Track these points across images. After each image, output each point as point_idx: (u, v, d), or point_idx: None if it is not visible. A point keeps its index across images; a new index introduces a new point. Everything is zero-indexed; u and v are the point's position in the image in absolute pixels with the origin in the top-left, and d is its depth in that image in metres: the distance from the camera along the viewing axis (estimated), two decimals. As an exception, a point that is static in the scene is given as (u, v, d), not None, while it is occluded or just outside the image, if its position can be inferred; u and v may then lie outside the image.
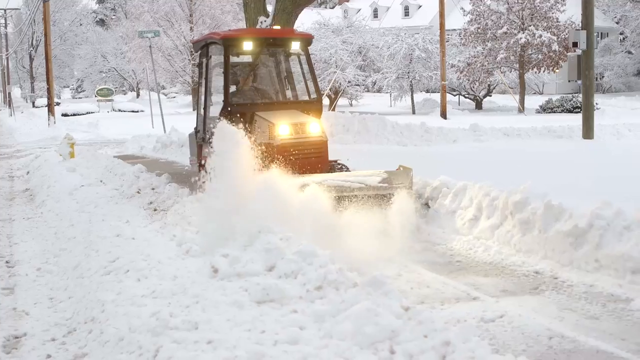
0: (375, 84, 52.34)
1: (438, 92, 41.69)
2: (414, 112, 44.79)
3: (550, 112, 39.96)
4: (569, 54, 42.41)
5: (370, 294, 5.72)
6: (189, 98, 59.77)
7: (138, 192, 12.47)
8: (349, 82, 48.84)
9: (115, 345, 5.46)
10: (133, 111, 54.90)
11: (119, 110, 55.71)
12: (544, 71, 46.62)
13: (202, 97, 12.29)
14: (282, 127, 10.41)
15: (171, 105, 58.36)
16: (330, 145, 11.15)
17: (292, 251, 6.90)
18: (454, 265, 8.39)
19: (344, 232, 8.08)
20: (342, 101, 51.47)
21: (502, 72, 46.19)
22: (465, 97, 50.49)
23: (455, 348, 4.54)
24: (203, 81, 12.23)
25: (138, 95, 73.88)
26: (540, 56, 44.66)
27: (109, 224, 10.00)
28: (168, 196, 11.37)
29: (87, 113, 52.69)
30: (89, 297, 6.82)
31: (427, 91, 52.26)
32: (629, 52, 61.89)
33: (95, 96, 60.37)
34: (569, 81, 59.01)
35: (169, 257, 7.95)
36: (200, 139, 12.18)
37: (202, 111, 12.27)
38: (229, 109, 11.01)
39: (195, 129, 12.63)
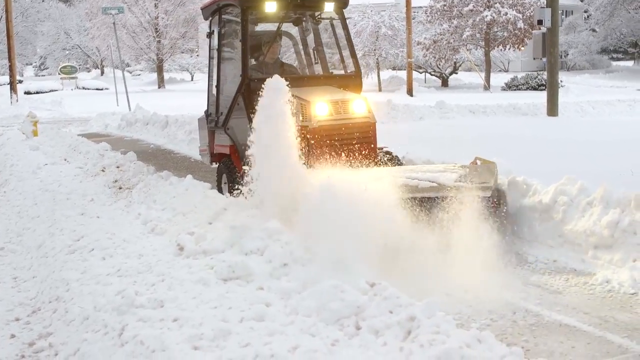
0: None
1: (404, 70, 41.65)
2: (380, 90, 44.77)
3: (515, 90, 40.21)
4: (534, 31, 42.59)
5: (336, 270, 5.75)
6: (154, 75, 59.23)
7: (103, 171, 12.36)
8: (316, 62, 48.53)
9: (80, 324, 5.43)
10: (97, 89, 54.24)
11: (83, 88, 54.97)
12: (509, 49, 46.83)
13: (214, 74, 10.34)
14: (320, 106, 8.45)
15: (136, 83, 57.77)
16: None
17: (258, 228, 6.90)
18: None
19: (416, 255, 6.50)
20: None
21: (468, 50, 46.33)
22: (432, 75, 50.58)
23: (420, 323, 4.57)
24: (215, 54, 10.37)
25: (102, 72, 72.99)
26: (505, 34, 44.84)
27: (73, 202, 9.93)
28: (133, 174, 11.27)
29: (51, 91, 51.91)
30: (54, 276, 6.76)
31: (394, 69, 52.24)
32: (593, 30, 62.36)
33: (59, 74, 59.47)
34: (534, 59, 59.09)
35: (135, 235, 7.92)
36: (213, 124, 10.29)
37: (214, 90, 10.33)
38: (249, 84, 9.10)
39: (206, 112, 10.69)
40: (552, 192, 7.74)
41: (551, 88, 22.35)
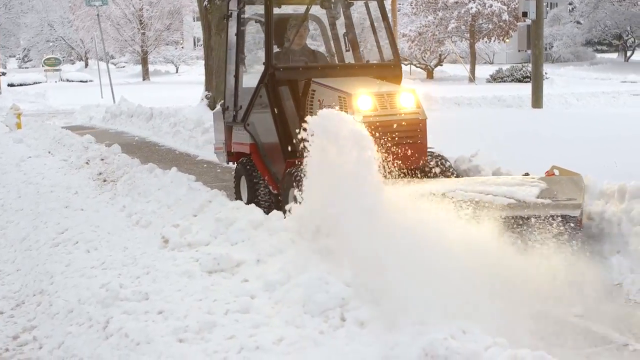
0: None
1: (390, 62, 41.71)
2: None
3: (500, 82, 40.31)
4: (519, 23, 42.64)
5: (321, 260, 5.75)
6: (139, 67, 58.98)
7: (87, 163, 12.31)
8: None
9: (65, 317, 5.42)
10: (81, 81, 54.00)
11: (67, 80, 54.70)
12: (494, 41, 46.96)
13: (232, 62, 9.17)
14: (363, 99, 7.18)
15: (120, 75, 57.47)
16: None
17: (244, 220, 6.90)
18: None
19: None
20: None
21: (453, 42, 46.43)
22: (417, 67, 50.62)
23: (405, 314, 4.58)
24: (233, 41, 9.13)
25: (86, 65, 72.56)
26: (490, 26, 44.95)
27: (57, 195, 9.89)
28: (118, 167, 11.24)
29: (35, 83, 51.64)
30: (38, 270, 6.73)
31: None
32: (578, 22, 62.58)
33: (43, 66, 59.11)
34: (519, 51, 59.17)
35: (119, 228, 7.91)
36: (231, 119, 9.15)
37: (231, 81, 9.19)
38: (274, 74, 8.02)
39: (223, 105, 9.53)
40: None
41: (536, 80, 22.40)
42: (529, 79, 28.21)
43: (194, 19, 60.20)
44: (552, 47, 61.86)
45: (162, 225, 7.57)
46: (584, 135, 13.94)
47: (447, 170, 7.71)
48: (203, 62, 23.18)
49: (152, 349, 4.58)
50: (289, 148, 7.63)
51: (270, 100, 8.04)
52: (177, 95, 30.39)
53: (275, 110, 7.93)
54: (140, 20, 53.33)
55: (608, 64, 55.82)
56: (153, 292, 5.59)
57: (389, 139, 6.80)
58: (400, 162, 6.62)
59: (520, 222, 5.95)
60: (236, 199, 8.73)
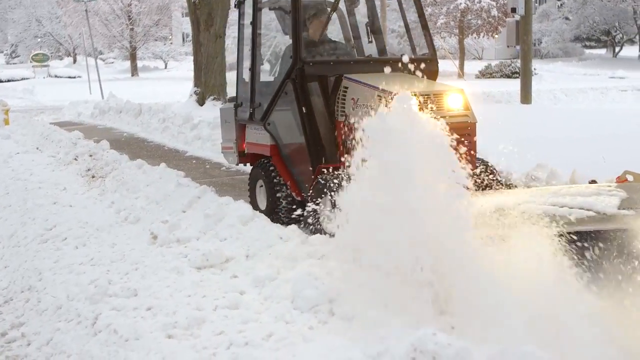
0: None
1: (379, 58, 41.73)
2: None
3: (489, 78, 40.39)
4: (507, 19, 42.80)
5: (310, 256, 5.76)
6: (128, 63, 58.78)
7: (75, 159, 12.26)
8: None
9: (53, 314, 5.40)
10: (70, 77, 53.80)
11: (55, 76, 54.50)
12: (483, 36, 47.06)
13: (247, 54, 8.38)
14: (407, 100, 5.76)
15: (109, 71, 57.33)
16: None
17: (233, 215, 6.89)
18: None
19: None
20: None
21: (442, 38, 46.46)
22: (406, 63, 50.60)
23: (395, 308, 4.59)
24: (246, 31, 8.37)
25: (75, 60, 72.23)
26: (479, 22, 45.03)
27: (45, 191, 9.85)
28: (106, 163, 11.19)
29: (22, 79, 51.40)
30: (26, 266, 6.70)
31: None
32: (567, 18, 62.71)
33: (31, 62, 58.87)
34: (508, 47, 59.30)
35: (108, 224, 7.89)
36: (245, 116, 8.36)
37: (246, 75, 8.47)
38: (303, 69, 7.21)
39: (235, 101, 8.70)
40: (523, 177, 7.79)
41: (524, 76, 22.46)
42: (517, 75, 28.31)
43: (182, 14, 60.03)
44: (541, 43, 62.00)
45: (151, 221, 7.56)
46: (573, 133, 14.00)
47: (495, 179, 6.87)
48: (192, 57, 23.14)
49: (141, 345, 4.57)
50: (318, 152, 7.07)
51: (298, 98, 7.24)
52: (166, 91, 30.34)
53: (304, 109, 7.17)
54: (129, 16, 53.18)
55: (596, 60, 55.98)
56: (142, 288, 5.58)
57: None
58: None
59: (601, 238, 4.94)
60: (252, 206, 7.73)
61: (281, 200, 7.67)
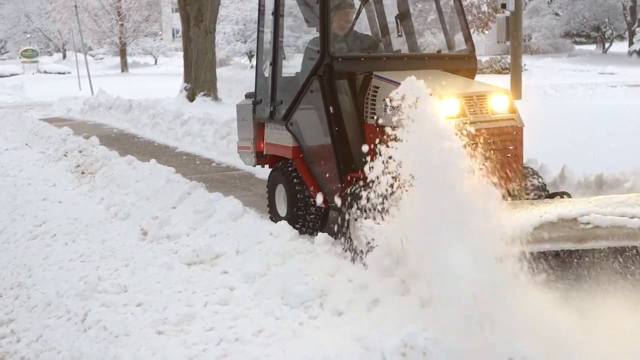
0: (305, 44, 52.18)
1: (369, 53, 41.74)
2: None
3: (479, 73, 40.18)
4: (497, 15, 42.89)
5: (300, 252, 5.76)
6: (117, 59, 58.58)
7: (65, 155, 12.22)
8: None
9: (43, 310, 5.39)
10: (59, 73, 53.55)
11: (45, 72, 54.23)
12: (473, 32, 47.07)
13: (269, 49, 7.58)
14: (450, 103, 5.74)
15: (99, 67, 57.04)
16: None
17: (222, 212, 6.89)
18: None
19: None
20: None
21: (432, 33, 46.51)
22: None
23: (384, 304, 4.61)
24: (271, 22, 7.47)
25: (64, 56, 71.96)
26: (469, 17, 45.05)
27: (35, 188, 9.83)
28: (96, 159, 11.17)
29: (12, 75, 51.12)
30: (15, 262, 6.69)
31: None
32: (557, 14, 62.82)
33: (20, 57, 58.58)
34: (498, 42, 59.46)
35: (98, 220, 7.87)
36: (265, 115, 7.67)
37: (266, 70, 7.76)
38: (331, 65, 6.46)
39: (254, 98, 7.96)
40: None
41: (514, 71, 22.48)
42: (507, 71, 28.36)
43: (172, 10, 59.90)
44: (531, 38, 62.07)
45: (141, 217, 7.55)
46: (562, 128, 14.02)
47: (541, 187, 6.34)
48: (182, 53, 23.09)
49: (131, 341, 4.57)
50: (347, 157, 6.38)
51: (325, 97, 6.49)
52: (156, 87, 30.23)
53: (331, 109, 6.43)
54: (119, 12, 52.95)
55: (586, 56, 56.08)
56: (132, 284, 5.59)
57: (484, 151, 4.97)
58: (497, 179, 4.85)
59: None
60: (270, 212, 7.40)
61: (303, 206, 6.96)
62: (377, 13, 8.03)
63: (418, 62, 6.97)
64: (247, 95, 8.26)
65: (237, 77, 25.22)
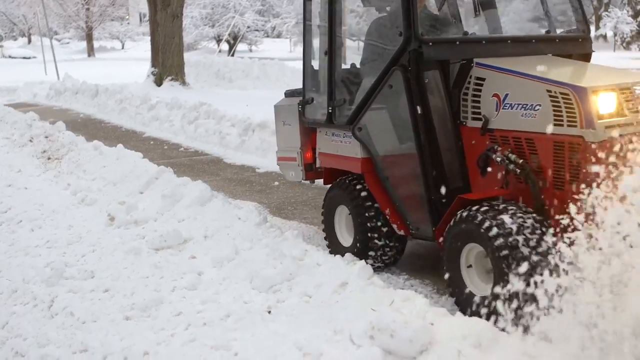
0: (274, 29, 51.94)
1: (338, 38, 41.65)
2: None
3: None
4: None
5: (268, 236, 5.76)
6: (84, 44, 57.95)
7: (30, 141, 12.09)
8: (248, 27, 48.34)
9: (9, 297, 5.33)
10: (24, 57, 52.99)
11: (10, 57, 53.64)
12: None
13: (322, 38, 6.18)
14: (606, 99, 4.45)
15: (65, 52, 56.45)
16: (230, 91, 7.42)
17: (190, 196, 6.86)
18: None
19: None
20: (241, 46, 50.95)
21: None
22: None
23: (352, 287, 4.62)
24: (320, 9, 6.19)
25: (30, 41, 71.07)
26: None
27: (0, 174, 9.71)
28: (62, 144, 11.05)
29: (-25, 60, 50.58)
30: (-20, 249, 6.62)
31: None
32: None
33: (-16, 42, 57.93)
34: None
35: (64, 206, 7.81)
36: (322, 119, 6.13)
37: (315, 62, 6.45)
38: (420, 50, 5.04)
39: (302, 98, 6.48)
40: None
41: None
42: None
43: (139, -6, 59.37)
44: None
45: (108, 202, 7.50)
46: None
47: None
48: (149, 38, 22.90)
49: (98, 327, 4.55)
50: (439, 172, 5.15)
51: (411, 93, 5.11)
52: (123, 72, 29.98)
53: (419, 109, 5.09)
54: (85, -5, 52.38)
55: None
56: (99, 270, 5.56)
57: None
58: None
59: None
60: (328, 242, 6.16)
61: (376, 234, 5.69)
62: None
63: (525, 46, 5.58)
64: (288, 94, 6.95)
65: (205, 62, 25.08)
